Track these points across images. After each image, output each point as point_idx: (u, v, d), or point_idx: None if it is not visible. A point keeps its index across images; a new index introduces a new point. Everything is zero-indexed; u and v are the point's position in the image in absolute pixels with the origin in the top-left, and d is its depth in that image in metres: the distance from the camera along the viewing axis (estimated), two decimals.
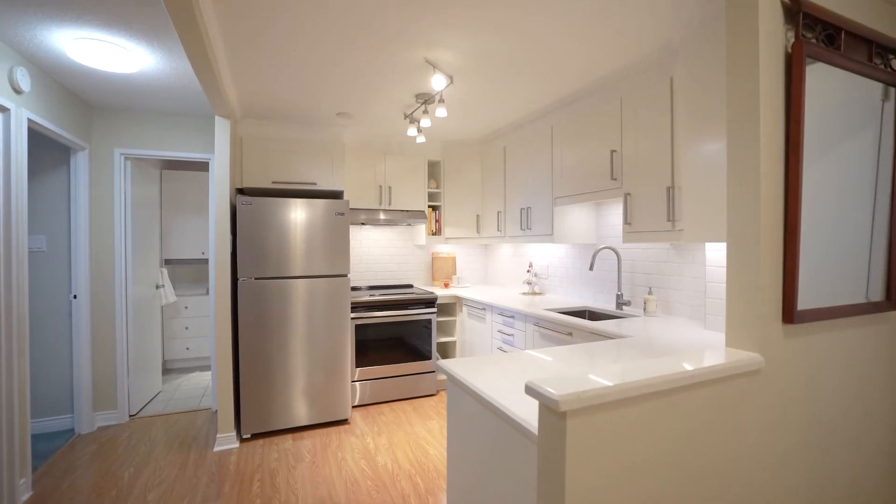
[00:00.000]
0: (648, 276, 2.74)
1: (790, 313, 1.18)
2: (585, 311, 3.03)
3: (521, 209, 3.46)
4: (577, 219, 3.13)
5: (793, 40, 1.18)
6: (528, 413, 1.11)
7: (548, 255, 3.70)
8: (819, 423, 1.31)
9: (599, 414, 0.91)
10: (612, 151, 2.54)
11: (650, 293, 2.62)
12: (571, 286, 3.42)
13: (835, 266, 1.33)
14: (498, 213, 3.81)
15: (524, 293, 3.71)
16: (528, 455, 1.10)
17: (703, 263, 2.38)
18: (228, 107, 2.71)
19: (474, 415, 1.36)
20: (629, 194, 2.44)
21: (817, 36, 1.21)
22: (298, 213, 3.13)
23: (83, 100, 3.01)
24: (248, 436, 3.03)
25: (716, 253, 2.18)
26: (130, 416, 3.37)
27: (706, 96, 1.79)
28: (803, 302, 1.22)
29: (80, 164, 3.05)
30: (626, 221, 2.45)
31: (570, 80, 2.60)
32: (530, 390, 0.92)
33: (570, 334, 2.45)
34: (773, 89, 1.16)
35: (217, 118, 2.82)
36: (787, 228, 1.19)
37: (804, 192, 1.21)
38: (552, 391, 0.87)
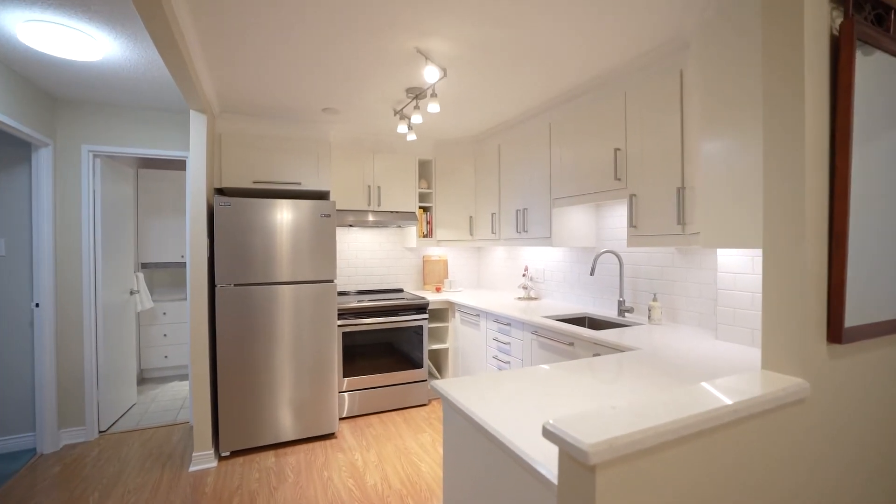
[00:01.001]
0: (652, 281, 2.60)
1: (837, 332, 1.04)
2: (585, 318, 2.88)
3: (517, 210, 3.31)
4: (576, 221, 2.98)
5: (839, 20, 1.04)
6: (536, 448, 0.94)
7: (544, 259, 3.54)
8: (867, 457, 1.17)
9: (633, 463, 0.75)
10: (616, 150, 2.39)
11: (655, 300, 2.48)
12: (569, 291, 3.27)
13: (874, 277, 1.19)
14: (492, 214, 3.65)
15: (519, 298, 3.55)
16: (538, 496, 0.93)
17: (713, 269, 2.24)
18: (204, 101, 2.51)
19: (475, 445, 1.20)
20: (635, 195, 2.29)
21: (866, 16, 1.06)
22: (281, 215, 2.93)
23: (44, 91, 2.77)
24: (227, 453, 2.82)
25: (728, 258, 2.04)
26: (100, 432, 3.13)
27: (723, 90, 1.65)
28: (849, 318, 1.08)
29: (43, 161, 2.82)
30: (632, 224, 2.30)
31: (570, 74, 2.45)
32: (550, 434, 0.76)
33: (572, 344, 2.30)
34: (817, 76, 1.01)
35: (192, 113, 2.61)
36: (833, 234, 1.04)
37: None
38: (579, 438, 0.70)
